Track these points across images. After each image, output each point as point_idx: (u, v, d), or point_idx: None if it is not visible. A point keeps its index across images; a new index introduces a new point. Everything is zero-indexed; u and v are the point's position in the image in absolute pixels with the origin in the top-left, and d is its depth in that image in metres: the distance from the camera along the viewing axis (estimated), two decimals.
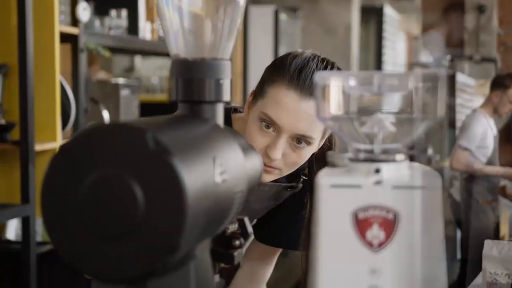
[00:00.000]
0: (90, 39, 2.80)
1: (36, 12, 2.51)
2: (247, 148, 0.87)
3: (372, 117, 0.73)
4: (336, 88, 0.71)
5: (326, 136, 1.31)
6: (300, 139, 1.22)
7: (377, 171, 0.71)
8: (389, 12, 7.68)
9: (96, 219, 0.63)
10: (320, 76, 0.71)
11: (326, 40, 5.59)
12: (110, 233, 0.62)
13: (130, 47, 3.18)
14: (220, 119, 0.85)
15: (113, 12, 3.09)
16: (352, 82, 0.71)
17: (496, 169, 4.18)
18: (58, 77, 2.57)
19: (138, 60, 5.67)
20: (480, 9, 9.57)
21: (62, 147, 0.63)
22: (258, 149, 1.20)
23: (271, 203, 1.41)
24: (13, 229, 2.64)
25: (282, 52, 5.53)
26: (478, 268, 1.99)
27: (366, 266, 0.68)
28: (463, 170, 4.18)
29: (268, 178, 1.26)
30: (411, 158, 0.72)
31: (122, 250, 0.62)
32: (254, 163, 0.87)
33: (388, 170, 0.71)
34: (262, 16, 4.81)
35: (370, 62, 7.66)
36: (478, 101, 8.83)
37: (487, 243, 1.88)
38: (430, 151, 6.70)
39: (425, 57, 8.23)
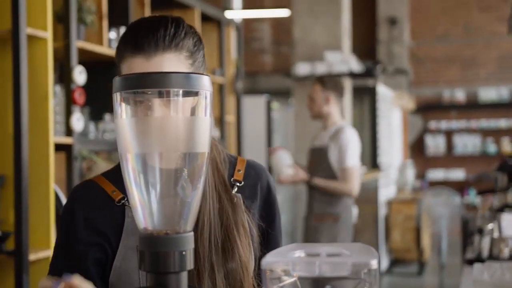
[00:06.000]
0: (84, 147, 2.91)
1: (32, 124, 2.63)
2: None
3: None
4: (280, 272, 0.79)
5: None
6: None
7: None
8: (382, 90, 7.86)
9: None
10: (266, 262, 0.79)
11: (319, 125, 5.69)
12: None
13: None
14: (184, 287, 0.92)
15: (107, 117, 3.22)
16: (296, 267, 0.79)
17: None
18: (53, 186, 2.66)
19: None
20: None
21: None
22: None
23: None
24: None
25: (275, 139, 5.66)
26: None
27: None
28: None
29: None
30: None
31: None
32: None
33: None
34: (255, 106, 4.96)
35: (365, 140, 7.77)
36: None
37: (477, 266, 1.70)
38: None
39: None
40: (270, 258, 0.80)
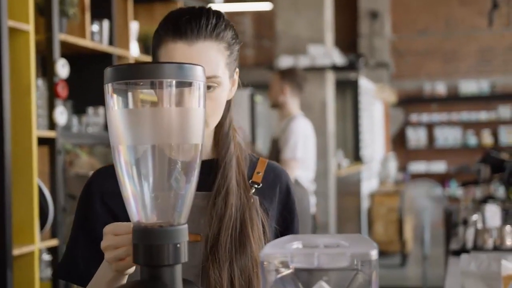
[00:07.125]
0: (67, 140, 2.88)
1: (15, 118, 2.60)
2: None
3: (316, 285, 0.80)
4: (278, 264, 0.78)
5: (235, 76, 1.29)
6: (207, 85, 1.18)
7: None
8: (364, 83, 7.89)
9: None
10: (264, 253, 0.78)
11: None
12: None
13: (107, 143, 3.28)
14: (178, 280, 0.91)
15: (90, 110, 3.19)
16: (294, 258, 0.78)
17: None
18: (36, 181, 2.63)
19: None
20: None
21: None
22: None
23: None
24: None
25: (259, 132, 5.66)
26: None
27: None
28: None
29: None
30: None
31: None
32: None
33: None
34: (238, 99, 4.91)
35: (348, 133, 7.80)
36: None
37: (464, 257, 1.72)
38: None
39: None
40: (268, 250, 0.79)
